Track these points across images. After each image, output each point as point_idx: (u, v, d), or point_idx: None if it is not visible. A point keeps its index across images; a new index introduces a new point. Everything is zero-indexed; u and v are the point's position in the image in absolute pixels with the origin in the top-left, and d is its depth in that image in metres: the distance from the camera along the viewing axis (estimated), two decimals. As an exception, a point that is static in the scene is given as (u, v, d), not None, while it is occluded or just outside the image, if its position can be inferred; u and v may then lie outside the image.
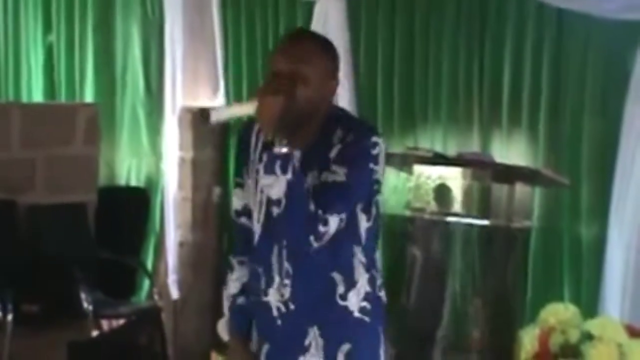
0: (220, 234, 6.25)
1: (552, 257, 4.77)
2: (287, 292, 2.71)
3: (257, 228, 2.76)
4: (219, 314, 5.06)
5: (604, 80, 4.61)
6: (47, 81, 7.33)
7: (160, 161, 6.59)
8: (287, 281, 2.71)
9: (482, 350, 4.58)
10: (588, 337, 4.09)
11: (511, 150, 4.92)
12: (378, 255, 2.80)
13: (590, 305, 4.49)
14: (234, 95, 6.26)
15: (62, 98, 7.16)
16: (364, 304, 2.73)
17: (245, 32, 6.14)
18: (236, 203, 2.88)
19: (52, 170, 6.00)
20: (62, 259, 5.66)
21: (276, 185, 2.53)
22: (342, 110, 2.85)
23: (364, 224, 2.72)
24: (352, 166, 2.61)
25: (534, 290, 4.76)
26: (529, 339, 4.23)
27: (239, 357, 2.89)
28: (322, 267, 2.69)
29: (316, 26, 5.52)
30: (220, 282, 5.22)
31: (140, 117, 6.81)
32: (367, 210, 2.72)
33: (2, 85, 7.54)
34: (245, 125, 2.87)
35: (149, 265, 6.54)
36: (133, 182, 6.81)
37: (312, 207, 2.56)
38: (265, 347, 2.81)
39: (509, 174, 4.55)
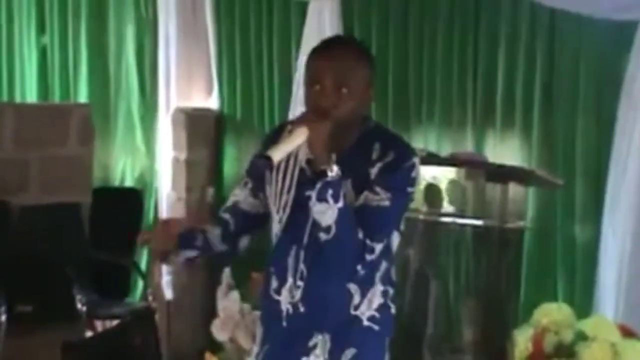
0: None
1: (546, 257, 4.76)
2: (298, 293, 2.70)
3: (276, 229, 2.75)
4: (212, 315, 5.05)
5: (597, 81, 4.60)
6: (41, 81, 7.32)
7: (154, 161, 6.59)
8: (300, 283, 2.70)
9: (476, 351, 4.57)
10: (582, 337, 4.08)
11: (505, 151, 4.92)
12: (393, 268, 2.81)
13: (584, 306, 4.49)
14: (228, 95, 6.26)
15: (56, 98, 7.15)
16: (374, 313, 2.73)
17: (239, 31, 6.14)
18: (234, 197, 2.86)
19: (45, 170, 5.98)
20: (55, 260, 5.65)
21: (328, 213, 2.55)
22: (376, 122, 2.84)
23: (395, 239, 2.74)
24: (395, 192, 2.63)
25: (527, 291, 4.76)
26: (522, 340, 4.21)
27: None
28: (339, 275, 2.68)
29: (310, 26, 5.52)
30: (214, 284, 5.23)
31: (134, 118, 6.80)
32: (399, 228, 2.74)
33: (-5, 85, 7.54)
34: (275, 129, 2.88)
35: (143, 266, 6.53)
36: (127, 183, 6.81)
37: (360, 235, 2.59)
38: (266, 347, 2.81)
39: (502, 174, 4.54)
